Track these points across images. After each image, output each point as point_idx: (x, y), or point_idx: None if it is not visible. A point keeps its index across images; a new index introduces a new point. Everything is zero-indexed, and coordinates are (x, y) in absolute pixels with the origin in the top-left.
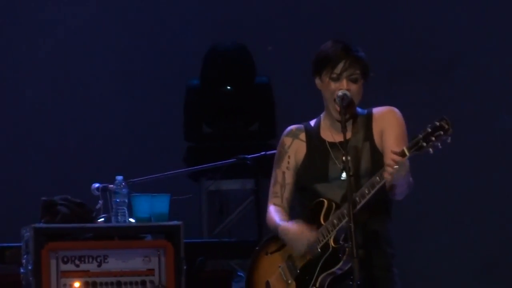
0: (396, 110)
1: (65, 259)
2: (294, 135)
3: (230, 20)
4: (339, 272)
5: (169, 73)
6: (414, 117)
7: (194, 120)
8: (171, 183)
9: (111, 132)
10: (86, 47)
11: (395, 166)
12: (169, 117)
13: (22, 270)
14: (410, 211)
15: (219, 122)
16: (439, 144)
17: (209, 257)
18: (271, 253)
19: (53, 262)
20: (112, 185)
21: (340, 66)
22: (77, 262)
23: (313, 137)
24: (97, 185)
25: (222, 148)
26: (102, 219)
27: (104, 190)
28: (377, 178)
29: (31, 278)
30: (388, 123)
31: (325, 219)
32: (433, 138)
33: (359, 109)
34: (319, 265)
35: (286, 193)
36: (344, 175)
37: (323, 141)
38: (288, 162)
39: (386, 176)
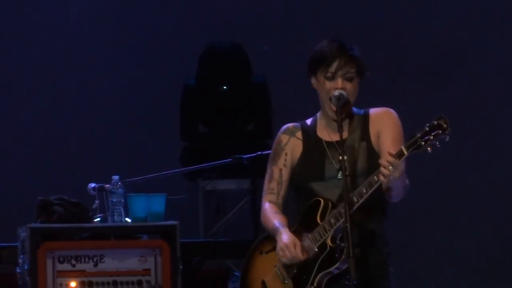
0: (393, 111)
1: (61, 259)
2: (291, 133)
3: (226, 19)
4: (336, 271)
5: (165, 72)
6: (414, 117)
7: (190, 119)
8: (167, 183)
9: (107, 132)
10: (82, 47)
11: (390, 168)
12: (165, 117)
13: (18, 270)
14: (408, 210)
15: (215, 121)
16: (437, 143)
17: (205, 257)
18: (266, 252)
19: (49, 262)
20: (108, 185)
21: (335, 65)
22: (73, 262)
23: (309, 135)
24: (93, 185)
25: (218, 148)
26: (98, 219)
27: (100, 190)
28: (375, 177)
29: (27, 278)
30: (385, 124)
31: (322, 218)
32: (431, 137)
33: (355, 109)
34: (317, 265)
35: (282, 191)
36: (340, 174)
37: (320, 140)
38: (285, 160)
39: (381, 178)
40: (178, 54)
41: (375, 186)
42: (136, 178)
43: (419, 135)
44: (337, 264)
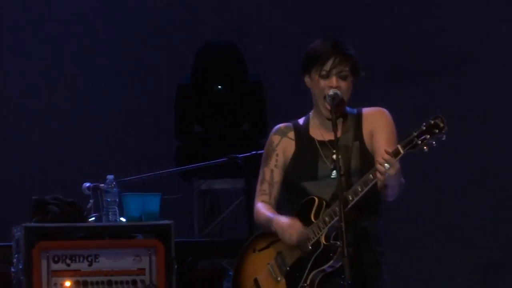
0: (386, 111)
1: (56, 258)
2: (282, 133)
3: (221, 19)
4: (330, 269)
5: (160, 72)
6: (412, 116)
7: (185, 119)
8: (162, 183)
9: (102, 132)
10: (76, 46)
11: (386, 165)
12: (160, 116)
13: (13, 269)
14: (405, 210)
15: (210, 121)
16: (433, 142)
17: (200, 256)
18: (259, 250)
19: (44, 261)
20: (103, 185)
21: (330, 63)
22: (68, 261)
23: (302, 135)
24: (88, 184)
25: (213, 147)
26: (93, 218)
27: (95, 189)
28: (370, 176)
29: (22, 277)
30: (378, 124)
31: (316, 216)
32: (428, 136)
33: (348, 109)
34: (310, 262)
35: (274, 192)
36: (334, 173)
37: (312, 139)
38: (276, 160)
39: (378, 175)
40: (173, 53)
41: (371, 185)
42: (130, 178)
43: (415, 134)
44: (331, 262)
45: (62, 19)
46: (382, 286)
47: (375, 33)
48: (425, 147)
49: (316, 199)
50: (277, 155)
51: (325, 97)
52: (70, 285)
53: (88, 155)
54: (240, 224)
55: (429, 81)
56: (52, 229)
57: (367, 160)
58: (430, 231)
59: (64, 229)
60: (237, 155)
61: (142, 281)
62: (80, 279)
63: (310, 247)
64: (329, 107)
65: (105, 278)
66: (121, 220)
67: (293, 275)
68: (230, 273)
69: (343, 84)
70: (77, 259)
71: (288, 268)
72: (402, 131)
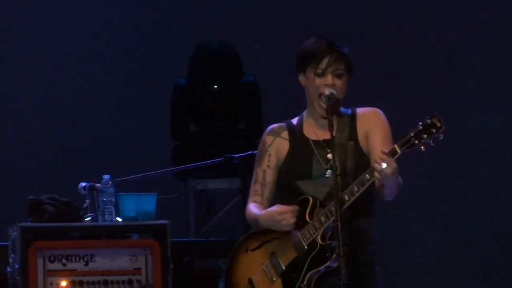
0: (380, 111)
1: (52, 258)
2: (275, 133)
3: (217, 19)
4: (327, 270)
5: (156, 72)
6: (410, 116)
7: (181, 119)
8: (158, 182)
9: (98, 131)
10: (72, 47)
11: (383, 164)
12: (156, 116)
13: (9, 269)
14: (404, 210)
15: (206, 121)
16: (431, 142)
17: (196, 256)
18: (252, 250)
19: (39, 261)
20: (99, 184)
21: (325, 61)
22: (64, 261)
23: (296, 135)
24: (84, 184)
25: (209, 147)
26: (89, 218)
27: (91, 189)
28: (367, 175)
29: (18, 277)
30: (373, 124)
31: (310, 216)
32: (425, 136)
33: (342, 108)
34: (307, 263)
35: (267, 192)
36: (328, 173)
37: (306, 139)
38: (269, 161)
39: (376, 175)
40: (169, 53)
41: (367, 185)
42: (126, 178)
43: (412, 133)
44: (328, 263)
45: (60, 20)
46: (376, 285)
47: (375, 33)
48: (422, 147)
49: (311, 199)
50: (269, 155)
51: (320, 95)
52: (66, 285)
53: (84, 155)
54: (236, 224)
55: (428, 81)
56: (48, 229)
57: (362, 160)
58: (429, 232)
59: (60, 228)
60: (233, 155)
61: (138, 281)
62: (76, 278)
63: (306, 247)
64: (324, 106)
65: (101, 278)
66: (117, 220)
67: (289, 275)
68: None
69: (338, 82)
70: (73, 259)
71: (283, 268)
72: (401, 131)
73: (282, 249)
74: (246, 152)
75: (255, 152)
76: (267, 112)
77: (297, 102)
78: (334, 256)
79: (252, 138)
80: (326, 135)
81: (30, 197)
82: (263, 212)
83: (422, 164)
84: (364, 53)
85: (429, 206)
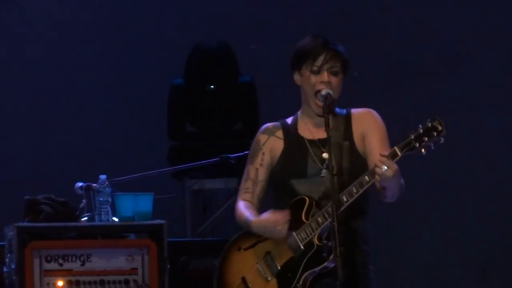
0: (375, 112)
1: (49, 258)
2: (270, 132)
3: (214, 19)
4: (322, 271)
5: (152, 72)
6: (409, 117)
7: (177, 119)
8: (155, 182)
9: (95, 131)
10: (69, 47)
11: (384, 167)
12: (152, 116)
13: (5, 269)
14: (403, 210)
15: (202, 121)
16: (432, 145)
17: (192, 256)
18: (245, 249)
19: (36, 261)
20: (95, 184)
21: (321, 59)
22: (60, 261)
23: (290, 134)
24: (80, 184)
25: (205, 147)
26: (86, 218)
27: (87, 189)
28: (366, 177)
29: (14, 277)
30: (369, 126)
31: (306, 216)
32: (426, 139)
33: (337, 109)
34: (303, 263)
35: (258, 190)
36: (323, 172)
37: (301, 138)
38: (262, 159)
39: (377, 177)
40: (166, 53)
41: (366, 186)
42: (123, 177)
43: (413, 136)
44: (325, 264)
45: (58, 21)
46: (369, 285)
47: (370, 34)
48: (423, 150)
49: (307, 199)
50: (263, 154)
51: (316, 93)
52: (63, 284)
53: (80, 155)
54: (233, 224)
55: (428, 81)
56: (44, 228)
57: (358, 161)
58: (429, 232)
59: (56, 228)
60: (230, 155)
61: (135, 281)
62: (73, 278)
63: (302, 248)
64: (320, 104)
65: (97, 278)
66: (113, 220)
67: (285, 275)
68: None
69: (334, 80)
70: (70, 259)
71: (279, 268)
72: (400, 132)
73: (277, 249)
74: (242, 152)
75: None
76: (263, 112)
77: (294, 102)
78: (331, 256)
79: (249, 138)
80: (321, 134)
81: (27, 197)
82: (256, 219)
83: (421, 164)
84: (362, 54)
85: (428, 206)
